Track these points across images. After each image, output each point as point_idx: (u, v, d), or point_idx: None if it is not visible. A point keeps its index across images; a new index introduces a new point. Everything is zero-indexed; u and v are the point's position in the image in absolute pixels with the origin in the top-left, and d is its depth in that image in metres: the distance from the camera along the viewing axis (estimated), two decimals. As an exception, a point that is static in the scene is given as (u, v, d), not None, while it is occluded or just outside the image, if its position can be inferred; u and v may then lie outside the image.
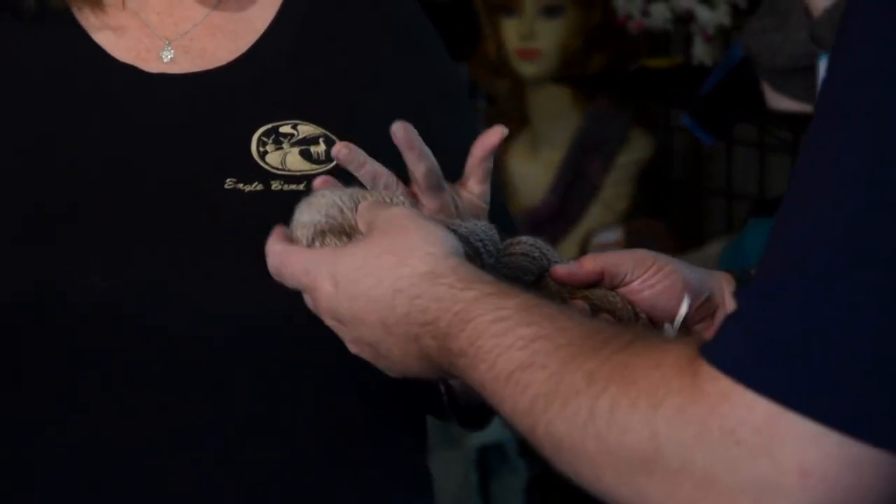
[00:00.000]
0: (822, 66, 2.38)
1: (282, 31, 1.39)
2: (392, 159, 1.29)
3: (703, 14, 3.01)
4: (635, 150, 3.29)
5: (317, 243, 1.07)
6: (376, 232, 1.04)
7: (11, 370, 1.34)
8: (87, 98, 1.34)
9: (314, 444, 1.34)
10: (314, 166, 1.33)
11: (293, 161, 1.33)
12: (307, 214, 1.09)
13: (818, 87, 0.97)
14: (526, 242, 1.11)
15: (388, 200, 1.09)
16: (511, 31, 3.26)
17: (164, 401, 1.31)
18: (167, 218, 1.27)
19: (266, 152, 1.33)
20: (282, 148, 1.33)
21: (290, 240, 1.09)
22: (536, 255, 1.11)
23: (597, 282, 1.11)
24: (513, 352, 0.90)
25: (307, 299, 1.07)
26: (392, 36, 1.42)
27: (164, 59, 1.36)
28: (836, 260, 0.77)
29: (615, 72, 3.30)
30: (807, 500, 0.77)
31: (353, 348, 1.05)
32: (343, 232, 1.07)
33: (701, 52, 3.05)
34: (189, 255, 1.26)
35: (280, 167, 1.33)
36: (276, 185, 1.32)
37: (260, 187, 1.31)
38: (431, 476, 1.42)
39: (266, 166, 1.32)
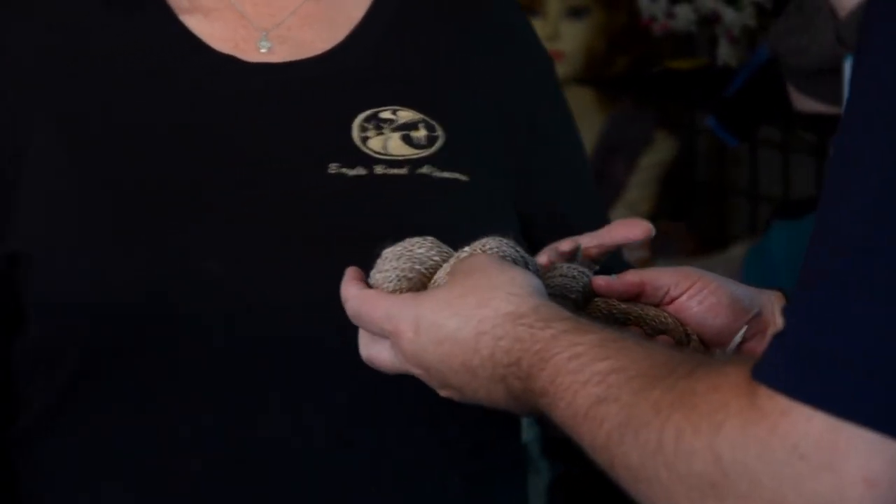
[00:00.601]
0: (848, 68, 2.39)
1: (378, 19, 1.39)
2: (489, 147, 1.35)
3: (729, 15, 3.01)
4: (659, 152, 3.31)
5: (399, 287, 1.06)
6: (459, 275, 1.04)
7: (116, 355, 1.32)
8: (189, 89, 1.35)
9: (416, 432, 1.34)
10: (416, 151, 1.33)
11: (395, 146, 1.34)
12: (388, 264, 1.08)
13: (844, 90, 0.98)
14: (563, 266, 1.11)
15: (474, 251, 1.08)
16: (535, 33, 3.26)
17: (267, 386, 1.30)
18: (274, 204, 1.28)
19: (367, 137, 1.33)
20: (383, 133, 1.33)
21: (366, 283, 1.09)
22: (576, 274, 1.11)
23: (636, 295, 1.11)
24: (589, 387, 0.90)
25: (384, 350, 1.06)
26: (488, 25, 1.42)
27: (262, 49, 1.36)
28: (860, 265, 0.77)
29: (639, 73, 3.31)
30: None
31: (441, 392, 1.04)
32: (422, 280, 1.07)
33: (726, 53, 3.06)
34: (296, 240, 1.26)
35: (382, 152, 1.33)
36: (378, 170, 1.32)
37: (363, 171, 1.31)
38: (525, 460, 1.39)
39: (368, 151, 1.32)
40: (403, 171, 1.32)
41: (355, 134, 1.33)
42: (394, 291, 1.07)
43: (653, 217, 3.28)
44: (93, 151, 1.33)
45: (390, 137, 1.34)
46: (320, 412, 1.30)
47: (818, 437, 0.77)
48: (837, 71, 2.36)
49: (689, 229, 3.27)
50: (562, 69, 3.30)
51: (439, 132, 1.36)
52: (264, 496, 1.31)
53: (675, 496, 0.83)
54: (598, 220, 1.33)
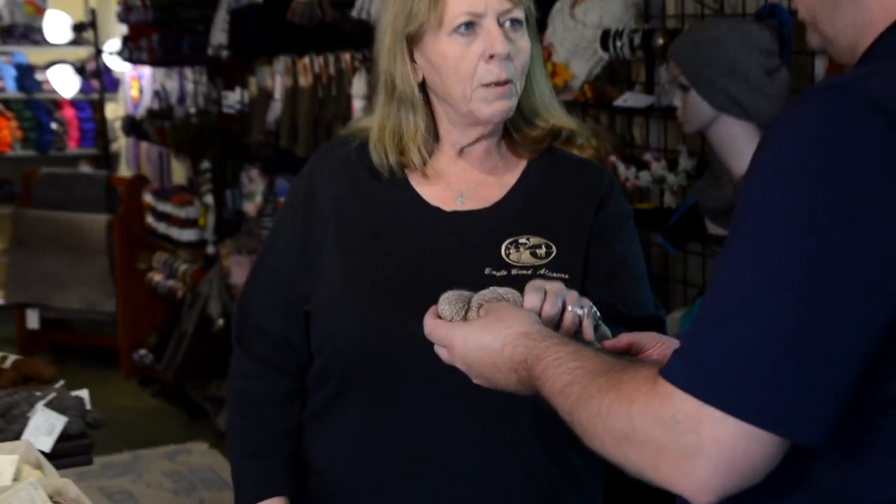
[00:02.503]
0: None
1: (523, 185, 1.73)
2: (581, 259, 1.61)
3: (671, 178, 3.37)
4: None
5: (455, 318, 1.31)
6: (492, 311, 1.29)
7: (345, 394, 1.64)
8: (412, 225, 1.70)
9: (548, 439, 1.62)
10: (538, 261, 1.64)
11: (526, 258, 1.63)
12: (446, 304, 1.32)
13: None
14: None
15: (499, 297, 1.31)
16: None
17: (438, 412, 1.59)
18: (450, 289, 1.45)
19: (510, 253, 1.62)
20: (519, 251, 1.62)
21: (439, 316, 1.33)
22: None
23: (627, 349, 1.33)
24: (563, 376, 1.10)
25: (444, 352, 1.29)
26: (592, 194, 1.73)
27: (458, 203, 1.68)
28: (728, 312, 0.95)
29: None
30: (718, 458, 0.94)
31: (475, 380, 1.27)
32: (465, 313, 1.31)
33: (669, 200, 3.41)
34: None
35: (517, 262, 1.63)
36: (515, 272, 1.63)
37: (504, 273, 1.63)
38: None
39: (509, 261, 1.63)
40: (529, 272, 1.62)
41: (503, 251, 1.62)
42: (451, 320, 1.29)
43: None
44: (354, 258, 1.65)
45: (523, 253, 1.61)
46: (476, 423, 1.57)
47: (688, 412, 0.94)
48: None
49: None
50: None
51: (554, 250, 1.64)
52: (458, 477, 1.58)
53: (604, 441, 1.04)
54: (646, 313, 1.63)
